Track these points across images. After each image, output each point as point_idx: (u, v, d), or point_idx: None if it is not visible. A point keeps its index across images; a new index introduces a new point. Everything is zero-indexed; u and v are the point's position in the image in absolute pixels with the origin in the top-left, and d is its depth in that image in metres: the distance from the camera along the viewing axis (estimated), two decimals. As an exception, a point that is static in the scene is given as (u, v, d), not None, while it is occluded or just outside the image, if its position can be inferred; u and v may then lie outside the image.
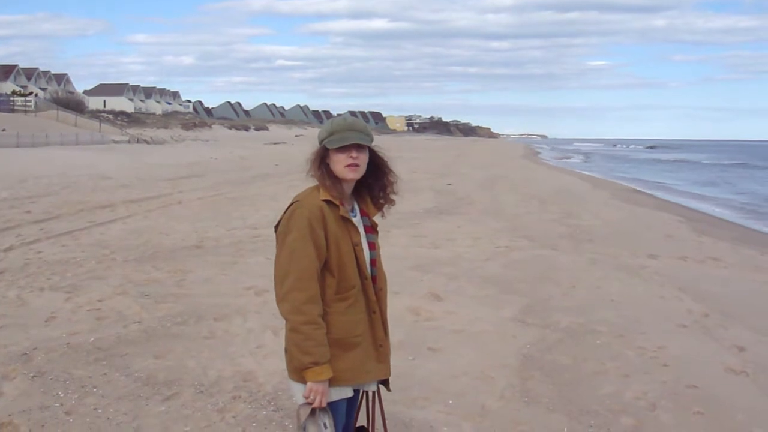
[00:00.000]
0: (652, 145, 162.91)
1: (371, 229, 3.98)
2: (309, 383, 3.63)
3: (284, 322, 3.72)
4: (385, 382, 4.05)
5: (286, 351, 3.79)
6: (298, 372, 3.67)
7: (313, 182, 3.86)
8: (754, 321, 9.69)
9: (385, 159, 4.00)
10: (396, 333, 7.85)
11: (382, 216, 4.07)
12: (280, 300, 3.68)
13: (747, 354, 8.23)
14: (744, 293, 11.46)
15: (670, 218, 22.04)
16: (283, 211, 3.82)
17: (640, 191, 34.57)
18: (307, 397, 3.65)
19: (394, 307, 8.86)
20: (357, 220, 3.90)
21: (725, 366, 7.77)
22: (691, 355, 8.15)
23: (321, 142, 3.83)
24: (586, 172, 52.21)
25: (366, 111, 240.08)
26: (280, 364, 3.94)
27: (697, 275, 12.67)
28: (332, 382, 3.68)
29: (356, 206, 3.95)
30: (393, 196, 4.03)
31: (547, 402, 6.67)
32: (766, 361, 8.02)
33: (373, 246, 3.95)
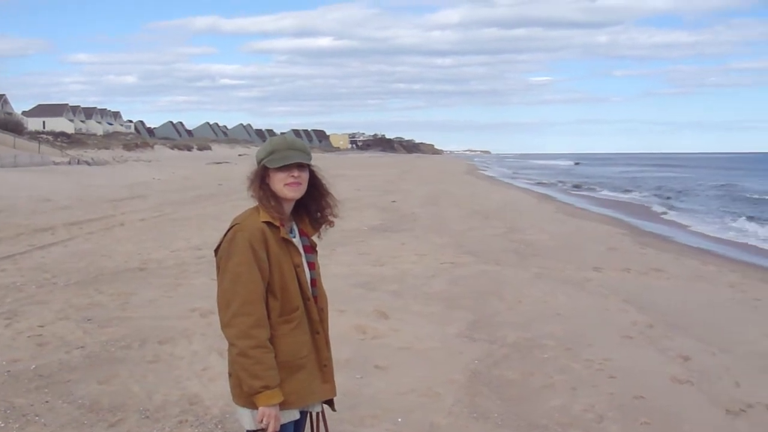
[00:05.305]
0: (578, 161, 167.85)
1: (310, 249, 3.95)
2: (261, 408, 3.59)
3: (228, 346, 3.67)
4: (330, 402, 4.02)
5: (230, 375, 3.75)
6: (248, 397, 3.62)
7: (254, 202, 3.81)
8: (698, 330, 9.81)
9: (324, 180, 3.97)
10: (343, 351, 7.83)
11: (319, 237, 4.04)
12: (226, 325, 3.63)
13: (692, 363, 8.32)
14: (687, 303, 11.58)
15: (613, 231, 22.27)
16: (224, 233, 3.77)
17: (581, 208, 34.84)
18: (260, 422, 3.61)
19: (340, 325, 8.85)
20: (297, 240, 3.87)
21: (671, 376, 7.85)
22: (637, 366, 8.21)
23: (260, 161, 3.79)
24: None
25: (309, 129, 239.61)
26: (226, 386, 3.87)
27: (641, 287, 12.80)
28: (280, 406, 3.64)
29: (295, 227, 3.92)
30: (331, 217, 4.00)
31: (495, 417, 6.67)
32: (710, 370, 8.12)
33: (313, 266, 3.93)
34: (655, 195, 46.92)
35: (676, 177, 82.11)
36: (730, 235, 24.40)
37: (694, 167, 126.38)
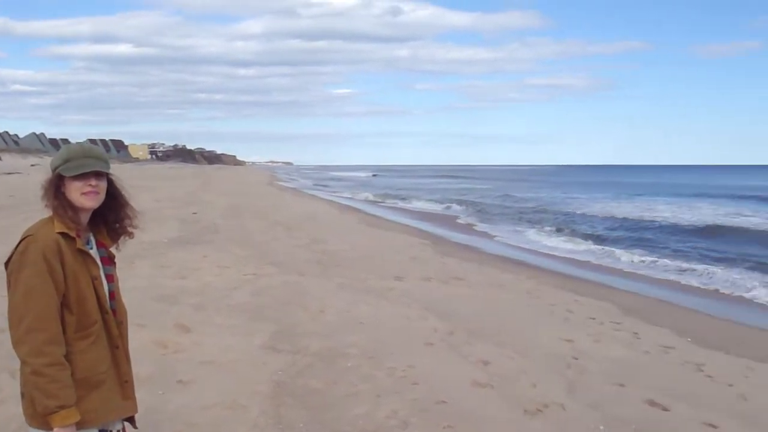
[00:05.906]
0: (375, 173, 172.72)
1: (108, 260, 3.79)
2: (56, 429, 3.40)
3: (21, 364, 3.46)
4: (132, 420, 3.87)
5: (22, 396, 3.53)
6: (43, 417, 3.42)
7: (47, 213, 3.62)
8: (497, 336, 10.13)
9: (122, 189, 3.83)
10: (144, 367, 7.59)
11: (117, 248, 3.89)
12: (18, 342, 3.41)
13: (491, 367, 8.58)
14: (487, 310, 11.95)
15: (415, 241, 22.72)
16: (15, 245, 3.56)
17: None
18: None
19: (140, 340, 8.59)
20: (94, 252, 3.71)
21: (471, 380, 8.06)
22: (439, 372, 8.38)
23: (55, 169, 3.60)
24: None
25: (107, 139, 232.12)
26: (18, 408, 3.67)
27: (442, 295, 13.11)
28: (78, 425, 3.46)
29: (92, 238, 3.75)
30: (131, 228, 3.87)
31: (301, 427, 6.64)
32: (508, 373, 8.41)
33: (111, 278, 3.76)
34: (449, 204, 48.45)
35: (468, 188, 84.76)
36: (525, 244, 25.51)
37: (486, 179, 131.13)
